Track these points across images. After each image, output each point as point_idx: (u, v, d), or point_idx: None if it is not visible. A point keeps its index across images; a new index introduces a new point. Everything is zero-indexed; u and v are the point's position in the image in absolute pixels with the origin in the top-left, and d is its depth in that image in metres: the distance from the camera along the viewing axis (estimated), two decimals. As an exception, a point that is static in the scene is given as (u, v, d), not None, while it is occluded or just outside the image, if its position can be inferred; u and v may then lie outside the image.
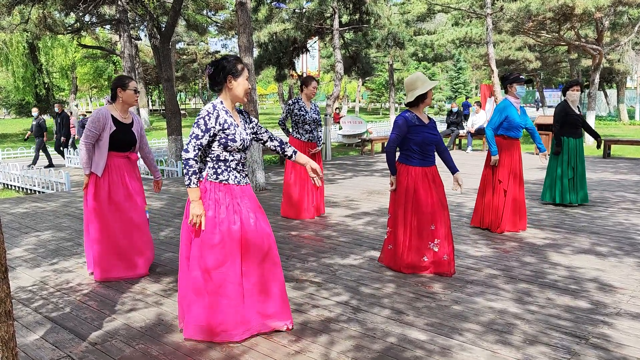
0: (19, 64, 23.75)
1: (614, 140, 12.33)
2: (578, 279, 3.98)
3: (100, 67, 40.01)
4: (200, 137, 2.88)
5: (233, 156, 3.01)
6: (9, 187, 11.68)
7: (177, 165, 11.22)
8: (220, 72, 2.98)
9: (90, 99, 58.51)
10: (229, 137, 2.95)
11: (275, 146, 3.18)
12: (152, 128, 30.17)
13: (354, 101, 51.44)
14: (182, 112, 41.83)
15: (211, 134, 2.92)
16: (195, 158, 2.89)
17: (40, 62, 24.54)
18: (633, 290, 3.74)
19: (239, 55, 8.00)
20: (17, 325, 3.33)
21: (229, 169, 3.00)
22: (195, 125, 2.88)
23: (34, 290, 3.98)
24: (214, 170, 2.98)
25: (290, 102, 6.24)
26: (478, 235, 5.32)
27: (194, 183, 2.89)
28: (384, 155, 14.05)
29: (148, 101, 29.63)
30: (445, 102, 43.30)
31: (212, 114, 2.92)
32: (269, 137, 3.18)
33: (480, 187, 5.58)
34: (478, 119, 14.35)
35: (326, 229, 5.75)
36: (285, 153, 3.19)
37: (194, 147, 2.88)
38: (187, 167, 2.88)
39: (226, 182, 2.99)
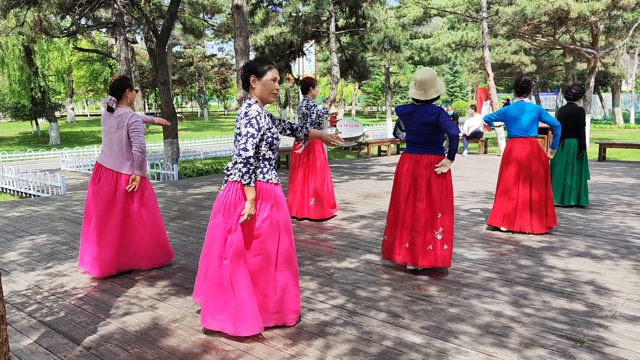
0: (14, 67, 23.59)
1: (610, 143, 12.37)
2: (574, 282, 3.98)
3: (97, 71, 39.99)
4: (255, 136, 2.95)
5: (273, 154, 3.13)
6: (4, 190, 11.62)
7: (173, 168, 11.19)
8: (246, 72, 3.08)
9: (87, 102, 58.40)
10: (274, 136, 3.08)
11: (292, 132, 3.38)
12: (149, 131, 30.12)
13: (351, 104, 51.50)
14: (179, 115, 41.82)
15: (262, 133, 3.00)
16: (255, 156, 2.98)
17: (36, 65, 24.37)
18: (628, 293, 3.74)
19: (235, 58, 8.01)
20: (11, 329, 3.31)
21: (271, 167, 3.12)
22: (249, 124, 2.93)
23: (28, 294, 3.96)
24: (260, 169, 3.06)
25: (310, 104, 6.22)
26: (474, 238, 5.33)
27: (253, 182, 2.97)
28: (380, 158, 14.08)
29: (144, 104, 29.59)
30: (441, 105, 43.39)
31: (262, 113, 3.02)
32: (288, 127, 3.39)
33: (506, 190, 5.51)
34: (474, 122, 14.39)
35: (322, 232, 5.74)
36: (298, 136, 3.37)
37: (252, 145, 2.94)
38: (248, 166, 2.93)
39: (270, 181, 3.09)
